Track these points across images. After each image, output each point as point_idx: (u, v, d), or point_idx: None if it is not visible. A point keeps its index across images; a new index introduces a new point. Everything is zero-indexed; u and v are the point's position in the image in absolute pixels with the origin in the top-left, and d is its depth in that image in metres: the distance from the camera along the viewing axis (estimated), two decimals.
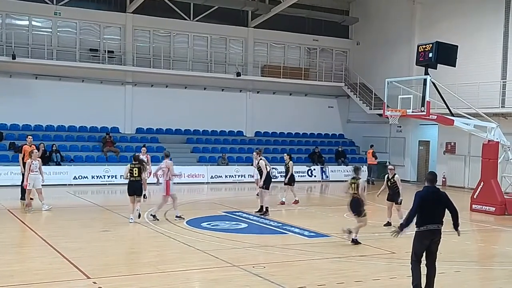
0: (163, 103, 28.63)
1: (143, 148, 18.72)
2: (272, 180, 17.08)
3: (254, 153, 17.12)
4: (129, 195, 14.31)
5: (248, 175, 26.82)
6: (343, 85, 32.43)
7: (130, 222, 14.11)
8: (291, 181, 18.64)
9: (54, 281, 8.82)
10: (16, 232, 13.45)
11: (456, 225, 8.40)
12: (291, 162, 18.57)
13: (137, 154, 15.59)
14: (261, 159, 16.63)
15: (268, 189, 16.42)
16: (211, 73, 29.74)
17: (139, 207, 14.31)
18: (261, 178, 16.42)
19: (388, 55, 30.39)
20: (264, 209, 16.20)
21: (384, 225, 14.55)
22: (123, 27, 28.34)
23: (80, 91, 26.99)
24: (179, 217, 14.82)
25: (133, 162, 14.38)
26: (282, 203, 18.57)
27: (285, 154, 19.08)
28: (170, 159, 15.18)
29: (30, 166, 15.79)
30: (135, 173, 14.18)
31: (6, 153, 24.09)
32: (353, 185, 12.24)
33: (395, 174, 14.76)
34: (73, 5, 26.99)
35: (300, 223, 14.81)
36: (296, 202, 18.80)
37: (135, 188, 14.24)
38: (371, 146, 28.66)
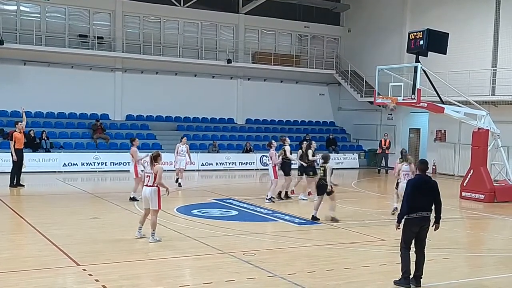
0: (153, 90, 28.46)
1: (184, 139, 18.73)
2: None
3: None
4: None
5: (239, 162, 26.90)
6: (334, 72, 32.39)
7: None
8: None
9: (43, 268, 8.78)
10: (5, 219, 13.34)
11: (438, 218, 8.42)
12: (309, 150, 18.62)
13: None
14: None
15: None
16: (201, 60, 29.57)
17: None
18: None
19: (379, 43, 30.35)
20: (284, 194, 16.78)
21: None
22: (113, 12, 28.05)
23: (70, 78, 26.76)
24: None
25: None
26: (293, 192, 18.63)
27: (303, 141, 19.22)
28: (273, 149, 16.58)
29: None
30: None
31: None
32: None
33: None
34: None
35: (291, 211, 14.85)
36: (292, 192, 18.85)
37: None
38: (386, 134, 28.24)
